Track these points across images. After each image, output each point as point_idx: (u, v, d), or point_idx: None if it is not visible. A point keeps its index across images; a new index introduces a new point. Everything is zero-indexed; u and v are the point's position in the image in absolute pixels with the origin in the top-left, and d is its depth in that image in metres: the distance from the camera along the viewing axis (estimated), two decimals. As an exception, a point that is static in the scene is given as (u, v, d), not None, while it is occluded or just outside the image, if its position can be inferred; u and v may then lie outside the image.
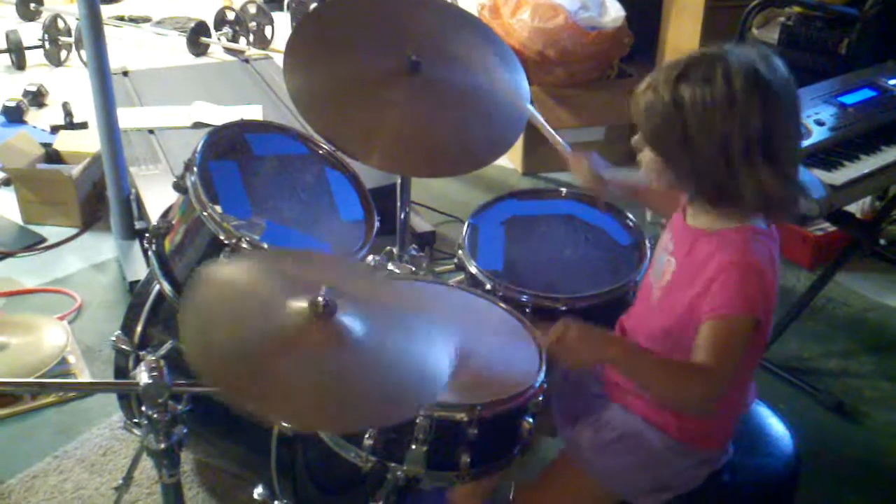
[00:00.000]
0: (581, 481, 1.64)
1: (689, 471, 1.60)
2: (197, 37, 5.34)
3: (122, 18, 5.76)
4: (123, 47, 5.30)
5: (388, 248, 1.92)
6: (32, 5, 5.78)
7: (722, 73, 1.35)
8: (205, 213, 1.71)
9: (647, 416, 1.59)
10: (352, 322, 1.31)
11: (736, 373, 1.39)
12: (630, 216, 2.02)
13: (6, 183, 3.54)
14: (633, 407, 1.61)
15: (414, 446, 1.46)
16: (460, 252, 1.92)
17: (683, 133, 1.38)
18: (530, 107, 1.99)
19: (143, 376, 1.38)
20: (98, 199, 3.47)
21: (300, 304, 1.29)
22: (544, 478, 1.71)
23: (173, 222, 1.84)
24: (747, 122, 1.35)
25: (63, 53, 5.14)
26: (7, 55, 5.03)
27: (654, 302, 1.56)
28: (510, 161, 4.00)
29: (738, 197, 1.40)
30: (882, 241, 3.29)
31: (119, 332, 1.98)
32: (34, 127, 4.23)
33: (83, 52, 4.58)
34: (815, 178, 2.21)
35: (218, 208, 1.72)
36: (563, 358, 1.48)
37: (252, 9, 5.49)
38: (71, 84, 4.73)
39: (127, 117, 3.26)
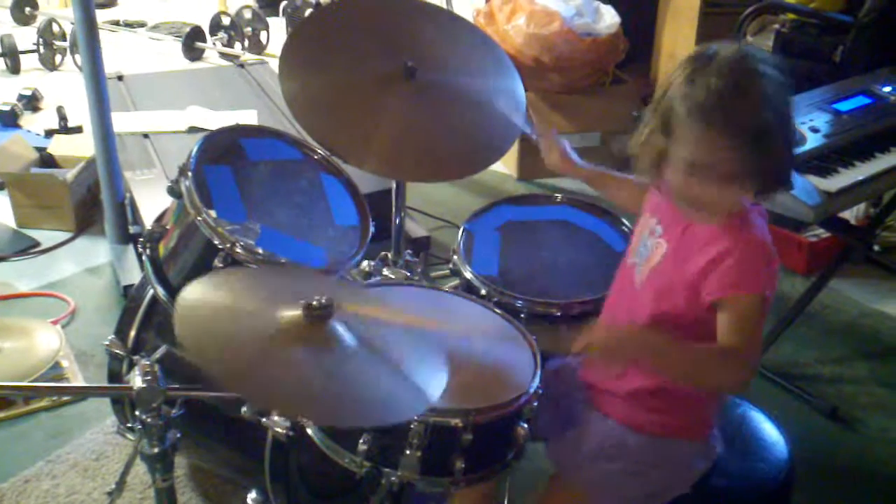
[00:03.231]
0: (575, 498, 1.63)
1: (677, 470, 1.59)
2: (192, 42, 5.34)
3: (117, 23, 5.77)
4: (118, 52, 5.29)
5: (383, 252, 1.92)
6: (27, 9, 5.78)
7: (768, 65, 1.37)
8: (199, 218, 1.71)
9: (623, 418, 1.59)
10: (344, 332, 1.31)
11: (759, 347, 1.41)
12: (625, 222, 2.02)
13: (0, 187, 3.53)
14: (611, 411, 1.60)
15: (408, 451, 1.45)
16: (455, 257, 1.92)
17: (764, 124, 1.36)
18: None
19: (137, 380, 1.37)
20: (92, 204, 3.46)
21: (294, 310, 1.29)
22: (543, 495, 1.70)
23: (167, 227, 1.84)
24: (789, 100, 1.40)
25: (58, 58, 5.13)
26: (1, 59, 5.02)
27: (639, 286, 1.56)
28: (505, 166, 4.00)
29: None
30: (876, 248, 3.30)
31: (113, 336, 1.98)
32: (28, 131, 4.23)
33: (78, 57, 4.58)
34: (810, 185, 2.21)
35: (212, 213, 1.71)
36: (595, 361, 1.52)
37: (247, 14, 5.50)
38: (65, 88, 4.73)
39: (121, 122, 3.26)
